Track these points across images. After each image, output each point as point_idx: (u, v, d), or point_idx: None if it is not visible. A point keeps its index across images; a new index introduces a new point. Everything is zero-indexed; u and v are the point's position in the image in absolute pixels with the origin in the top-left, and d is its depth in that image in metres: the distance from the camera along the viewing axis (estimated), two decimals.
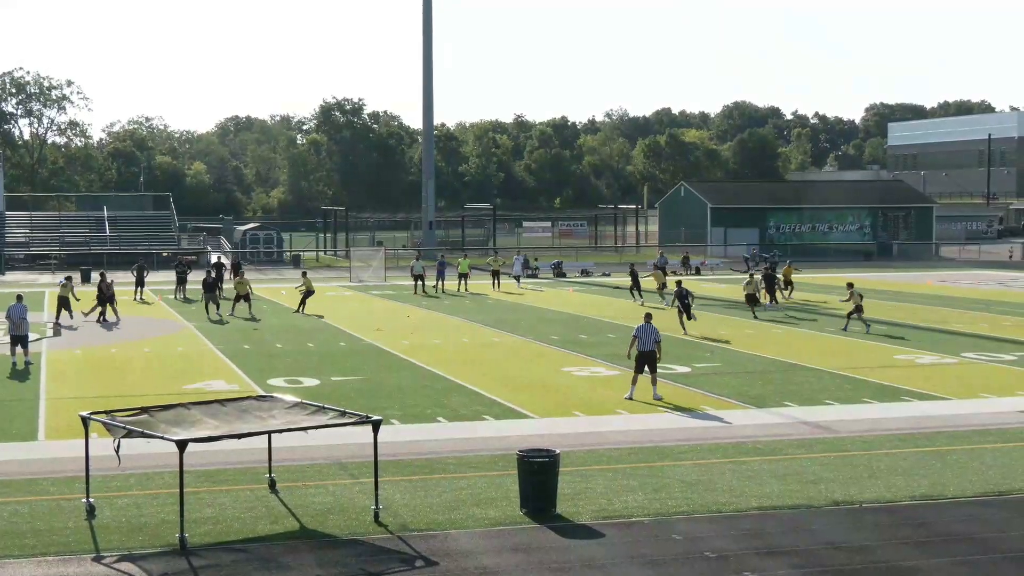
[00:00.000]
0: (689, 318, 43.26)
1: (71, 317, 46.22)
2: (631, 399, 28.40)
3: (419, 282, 62.14)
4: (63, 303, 46.18)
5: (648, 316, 29.75)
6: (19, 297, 36.60)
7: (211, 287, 50.80)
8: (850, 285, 44.98)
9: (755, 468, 21.34)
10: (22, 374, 33.18)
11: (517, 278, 66.11)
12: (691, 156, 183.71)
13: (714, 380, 31.57)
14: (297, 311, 50.58)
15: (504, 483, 19.91)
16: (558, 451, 18.79)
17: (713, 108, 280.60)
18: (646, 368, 28.66)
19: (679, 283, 46.74)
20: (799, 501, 19.05)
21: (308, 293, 51.31)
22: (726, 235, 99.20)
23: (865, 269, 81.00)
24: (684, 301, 43.72)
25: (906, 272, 77.46)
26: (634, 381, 28.85)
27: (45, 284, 67.11)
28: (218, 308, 49.88)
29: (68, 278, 48.28)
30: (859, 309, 43.30)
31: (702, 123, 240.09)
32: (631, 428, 25.18)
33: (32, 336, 37.24)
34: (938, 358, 36.02)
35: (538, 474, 18.24)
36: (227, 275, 62.06)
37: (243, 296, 49.99)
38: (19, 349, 35.03)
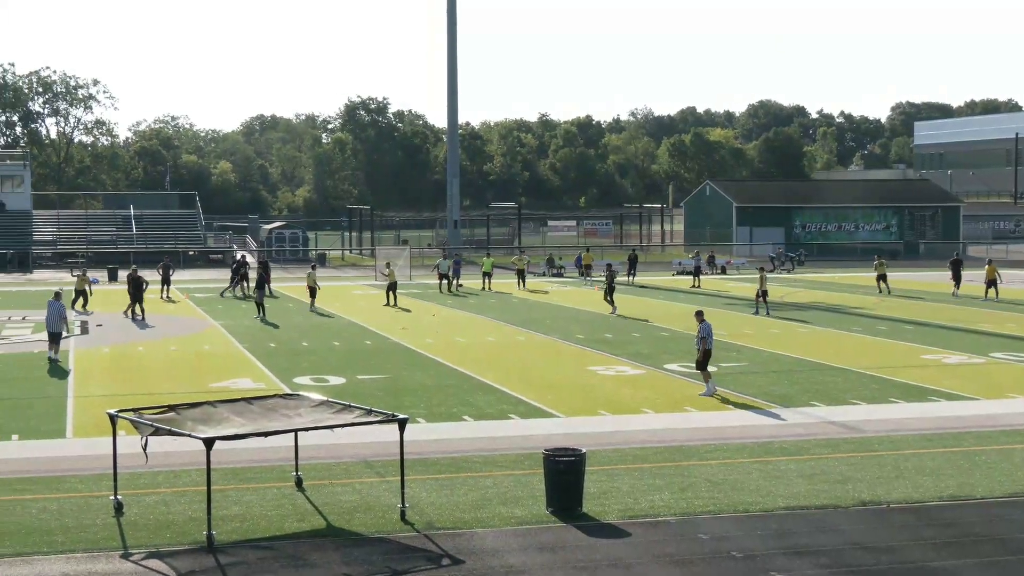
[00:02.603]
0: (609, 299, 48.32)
1: (84, 308, 47.92)
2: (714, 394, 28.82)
3: (443, 280, 62.27)
4: (82, 294, 48.88)
5: (700, 313, 30.24)
6: (57, 295, 36.95)
7: (260, 285, 50.22)
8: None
9: (782, 468, 21.29)
10: (50, 372, 33.33)
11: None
12: (716, 155, 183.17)
13: (740, 379, 31.50)
14: (313, 308, 50.77)
15: (530, 482, 19.91)
16: (584, 450, 18.78)
17: (738, 107, 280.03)
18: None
19: (609, 264, 51.99)
20: (826, 501, 18.99)
21: (312, 290, 51.74)
22: (751, 234, 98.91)
23: (891, 268, 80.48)
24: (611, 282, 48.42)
25: (933, 272, 77.10)
26: (707, 379, 29.24)
27: (72, 282, 67.33)
28: (264, 312, 48.23)
29: (84, 269, 49.60)
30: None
31: (727, 122, 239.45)
32: (657, 427, 25.15)
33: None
34: (966, 358, 35.85)
35: (564, 473, 18.23)
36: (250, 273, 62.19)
37: (260, 304, 49.23)
38: (52, 345, 35.43)
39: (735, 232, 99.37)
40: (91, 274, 72.46)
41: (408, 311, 51.00)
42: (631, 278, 68.88)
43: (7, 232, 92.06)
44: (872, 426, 25.29)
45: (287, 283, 64.86)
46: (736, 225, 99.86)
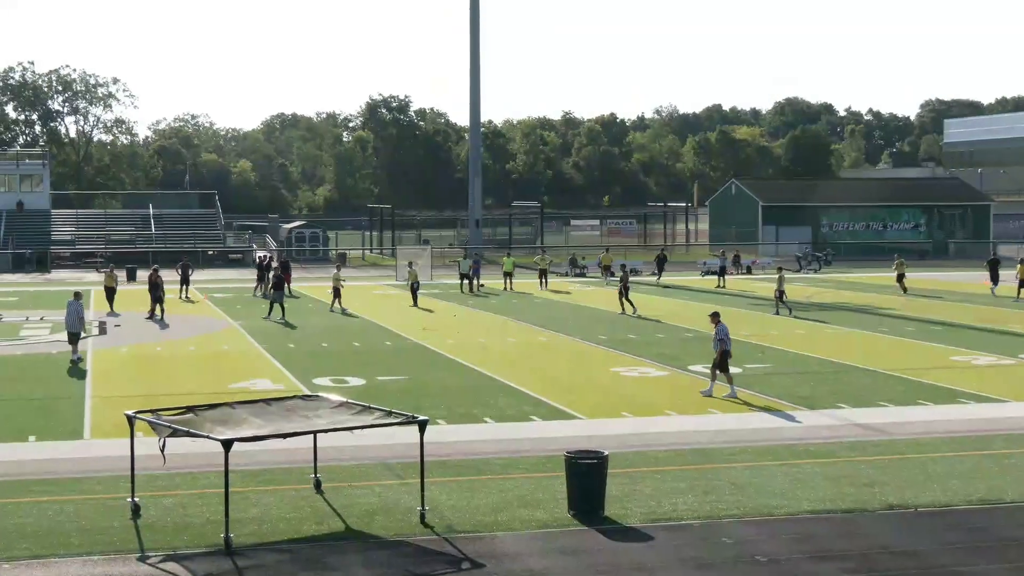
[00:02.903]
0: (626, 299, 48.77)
1: (111, 309, 48.27)
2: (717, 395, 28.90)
3: (465, 280, 62.31)
4: (110, 292, 49.48)
5: (716, 315, 30.18)
6: (77, 295, 37.16)
7: (279, 286, 49.58)
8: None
9: (807, 471, 21.23)
10: (69, 372, 33.47)
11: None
12: (742, 153, 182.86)
13: (765, 381, 31.43)
14: (333, 309, 50.80)
15: (552, 485, 19.90)
16: (606, 452, 18.77)
17: (764, 104, 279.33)
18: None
19: (623, 265, 53.23)
20: (852, 505, 18.93)
21: (336, 290, 51.66)
22: (778, 233, 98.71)
23: (920, 268, 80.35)
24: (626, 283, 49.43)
25: (962, 272, 76.80)
26: (729, 380, 29.19)
27: (91, 282, 67.65)
28: (284, 312, 48.04)
29: (111, 267, 49.95)
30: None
31: (753, 120, 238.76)
32: (680, 429, 25.11)
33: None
34: (996, 359, 35.70)
35: (586, 476, 18.23)
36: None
37: (279, 304, 49.08)
38: (72, 346, 35.68)
39: (761, 232, 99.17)
40: None
41: (431, 311, 51.03)
42: (659, 278, 69.70)
43: (26, 231, 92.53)
44: (900, 428, 25.19)
45: (307, 283, 64.97)
46: (762, 224, 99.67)
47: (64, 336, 36.74)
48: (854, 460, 22.13)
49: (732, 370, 29.51)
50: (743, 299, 54.84)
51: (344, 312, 50.32)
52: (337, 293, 51.75)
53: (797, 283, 68.93)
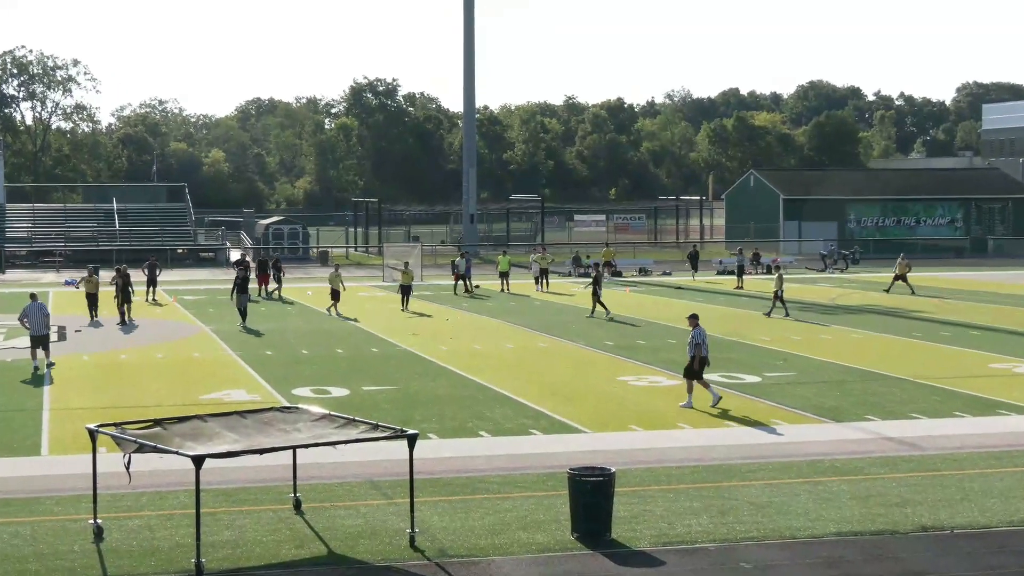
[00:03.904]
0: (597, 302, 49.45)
1: (94, 316, 47.94)
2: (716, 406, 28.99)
3: (460, 281, 62.36)
4: (92, 299, 48.52)
5: (695, 317, 30.18)
6: (33, 296, 37.19)
7: (243, 287, 48.16)
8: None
9: (833, 489, 21.25)
10: (24, 381, 33.44)
11: (537, 279, 65.59)
12: (761, 141, 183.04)
13: (787, 391, 31.46)
14: (329, 311, 50.80)
15: (554, 504, 19.92)
16: (613, 469, 18.77)
17: (786, 88, 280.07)
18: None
19: (596, 264, 54.91)
20: (882, 526, 18.95)
21: (334, 292, 51.57)
22: (800, 229, 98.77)
23: (956, 267, 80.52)
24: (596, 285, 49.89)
25: (1003, 271, 76.87)
26: (707, 386, 29.36)
27: (49, 283, 67.67)
28: (245, 317, 47.20)
29: (95, 268, 49.75)
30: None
31: (774, 105, 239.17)
32: (694, 444, 25.13)
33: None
34: None
35: (591, 495, 18.23)
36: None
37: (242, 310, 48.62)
38: (40, 352, 35.72)
39: (782, 227, 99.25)
40: (69, 275, 73.00)
41: (425, 315, 51.06)
42: (694, 276, 72.58)
43: None
44: (934, 443, 25.21)
45: (286, 284, 64.89)
46: (783, 219, 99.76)
47: (21, 342, 36.68)
48: (884, 477, 22.15)
49: (750, 379, 29.50)
50: (762, 301, 54.78)
51: (340, 316, 50.17)
52: (336, 296, 51.62)
53: (822, 284, 69.05)
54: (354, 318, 49.76)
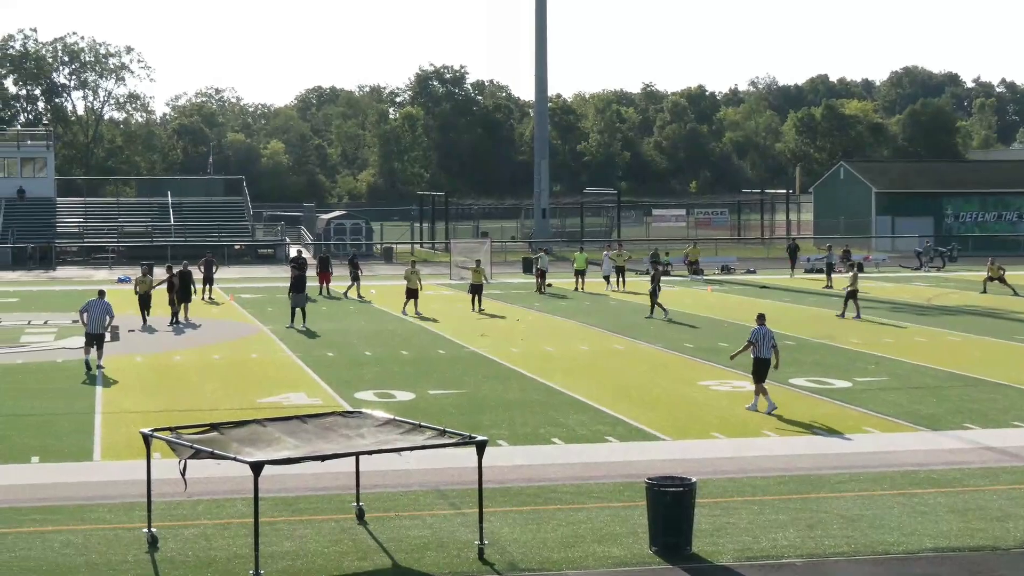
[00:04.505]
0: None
1: (145, 319, 47.32)
2: (760, 410, 29.05)
3: (542, 279, 62.41)
4: (145, 299, 47.62)
5: (762, 317, 30.19)
6: (101, 292, 37.64)
7: (300, 286, 48.10)
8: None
9: (929, 502, 21.08)
10: (79, 384, 33.78)
11: (607, 278, 65.58)
12: (852, 131, 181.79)
13: (879, 397, 31.24)
14: (405, 312, 50.90)
15: (631, 516, 19.89)
16: (694, 479, 18.72)
17: (879, 75, 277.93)
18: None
19: (655, 261, 55.92)
20: (982, 542, 18.79)
21: (411, 291, 51.57)
22: (894, 225, 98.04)
23: None
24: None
25: None
26: (764, 392, 29.40)
27: (101, 281, 68.33)
28: (304, 318, 47.27)
29: (149, 267, 49.86)
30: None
31: (865, 92, 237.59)
32: (780, 453, 25.01)
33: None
34: None
35: (671, 506, 18.19)
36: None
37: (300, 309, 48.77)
38: (93, 350, 36.12)
39: (874, 223, 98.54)
40: (122, 272, 73.76)
41: (497, 316, 51.10)
42: (792, 272, 74.05)
43: (28, 223, 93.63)
44: None
45: (347, 281, 65.15)
46: (875, 214, 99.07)
47: (72, 343, 37.05)
48: (984, 490, 21.96)
49: (840, 384, 29.31)
50: (859, 301, 54.36)
51: (419, 316, 50.26)
52: (412, 295, 51.73)
53: (917, 283, 68.54)
54: (433, 318, 49.86)
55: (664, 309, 49.36)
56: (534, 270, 64.84)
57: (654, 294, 49.75)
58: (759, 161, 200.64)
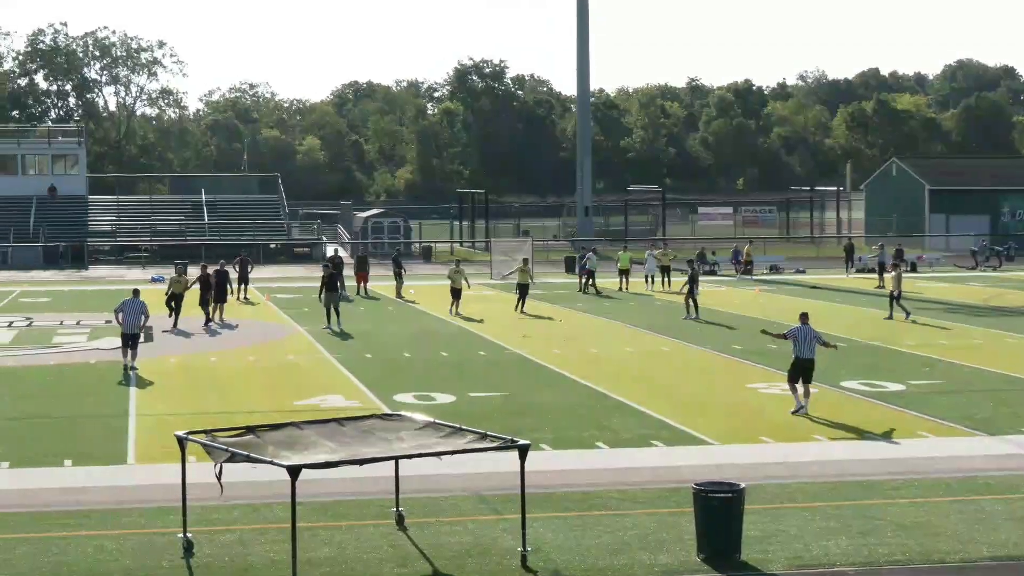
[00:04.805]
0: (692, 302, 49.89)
1: (176, 322, 46.82)
2: (802, 409, 29.04)
3: (589, 279, 62.38)
4: (178, 300, 46.95)
5: (805, 316, 30.08)
6: (135, 291, 37.83)
7: (332, 286, 48.14)
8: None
9: (987, 509, 20.97)
10: (111, 386, 33.93)
11: (649, 277, 65.45)
12: (905, 127, 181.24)
13: (934, 400, 31.10)
14: (452, 312, 50.96)
15: (678, 523, 19.86)
16: (743, 485, 18.68)
17: (932, 68, 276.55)
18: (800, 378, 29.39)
19: (690, 260, 55.65)
20: None
21: (455, 291, 51.63)
22: (948, 223, 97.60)
23: None
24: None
25: None
26: (794, 391, 29.38)
27: (134, 280, 68.67)
28: (339, 317, 47.35)
29: (184, 267, 49.93)
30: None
31: (918, 86, 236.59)
32: (832, 458, 24.93)
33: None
34: None
35: (719, 512, 18.15)
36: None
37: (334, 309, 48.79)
38: (129, 351, 36.30)
39: (928, 221, 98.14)
40: (156, 271, 74.16)
41: (541, 317, 51.09)
42: (848, 270, 75.22)
43: (59, 221, 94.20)
44: None
45: (388, 281, 65.31)
46: (929, 212, 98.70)
47: (106, 343, 37.23)
48: None
49: (893, 387, 29.19)
50: (905, 302, 54.17)
51: (462, 316, 50.31)
52: (456, 294, 51.80)
53: (972, 283, 68.18)
54: (476, 318, 49.91)
55: (698, 310, 49.32)
56: (577, 269, 64.79)
57: (690, 294, 49.73)
58: (808, 157, 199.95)
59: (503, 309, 53.44)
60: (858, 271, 75.34)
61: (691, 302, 49.69)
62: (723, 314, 51.28)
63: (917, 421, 28.56)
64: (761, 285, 67.11)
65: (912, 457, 25.05)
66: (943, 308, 52.99)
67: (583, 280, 63.38)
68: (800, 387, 29.24)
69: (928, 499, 21.70)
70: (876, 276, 66.70)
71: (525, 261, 58.47)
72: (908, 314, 48.39)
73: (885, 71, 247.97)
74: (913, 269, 77.50)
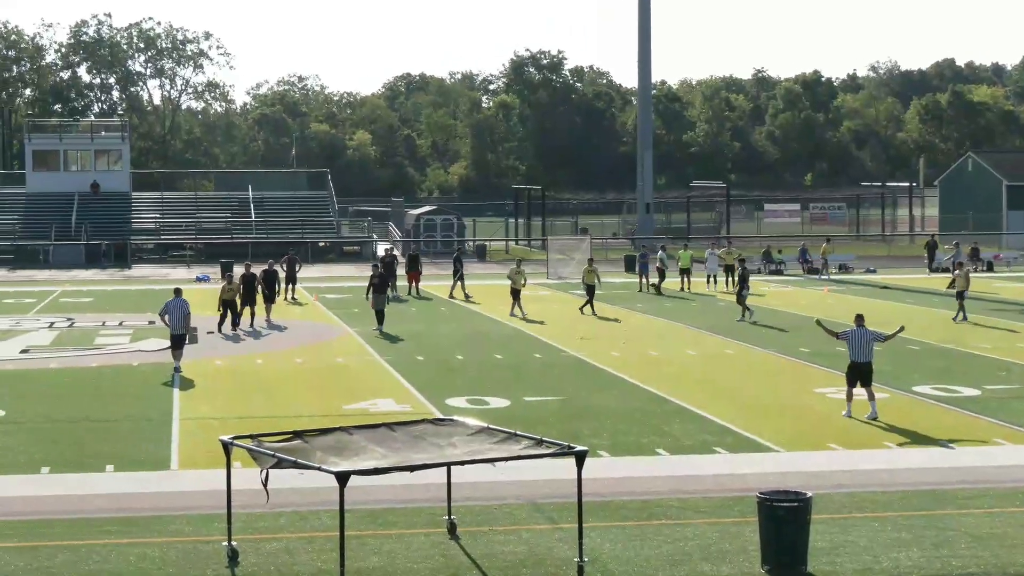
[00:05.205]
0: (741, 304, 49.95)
1: (234, 326, 46.52)
2: (850, 416, 29.17)
3: (662, 279, 62.28)
4: (231, 306, 46.58)
5: (860, 318, 30.09)
6: (177, 291, 38.05)
7: (381, 287, 48.14)
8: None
9: None
10: (156, 389, 34.14)
11: (711, 277, 65.20)
12: (981, 120, 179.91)
13: (1011, 406, 30.90)
14: (514, 313, 50.96)
15: (741, 533, 19.82)
16: (809, 494, 18.62)
17: (1010, 59, 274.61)
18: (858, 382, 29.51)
19: (741, 259, 56.04)
20: None
21: (515, 292, 51.60)
22: None
23: None
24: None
25: None
26: (849, 397, 29.59)
27: (179, 280, 69.05)
28: (383, 322, 47.04)
29: (231, 272, 50.14)
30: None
31: (995, 78, 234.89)
32: (903, 466, 24.82)
33: (165, 342, 38.47)
34: None
35: (785, 522, 18.11)
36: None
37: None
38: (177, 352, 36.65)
39: (1005, 218, 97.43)
40: (201, 270, 74.54)
41: (608, 319, 51.04)
42: (930, 268, 75.37)
43: (102, 219, 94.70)
44: None
45: (441, 281, 65.42)
46: (1007, 209, 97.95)
47: (148, 345, 37.47)
48: None
49: (968, 392, 29.03)
50: (982, 302, 53.86)
51: (524, 317, 50.39)
52: (516, 295, 51.87)
53: None
54: (536, 320, 49.90)
55: (750, 310, 49.19)
56: (637, 268, 64.66)
57: (740, 295, 49.67)
58: (879, 152, 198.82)
59: (560, 310, 53.43)
60: (931, 271, 74.87)
61: (742, 303, 49.54)
62: (790, 316, 51.06)
63: (992, 427, 28.39)
64: (830, 285, 66.80)
65: (987, 465, 24.92)
66: (1020, 309, 52.58)
67: (643, 280, 63.23)
68: (863, 392, 29.21)
69: (1004, 509, 21.58)
70: (951, 276, 66.29)
71: (591, 261, 57.80)
72: (964, 317, 47.96)
73: (961, 61, 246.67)
74: (990, 268, 77.05)
